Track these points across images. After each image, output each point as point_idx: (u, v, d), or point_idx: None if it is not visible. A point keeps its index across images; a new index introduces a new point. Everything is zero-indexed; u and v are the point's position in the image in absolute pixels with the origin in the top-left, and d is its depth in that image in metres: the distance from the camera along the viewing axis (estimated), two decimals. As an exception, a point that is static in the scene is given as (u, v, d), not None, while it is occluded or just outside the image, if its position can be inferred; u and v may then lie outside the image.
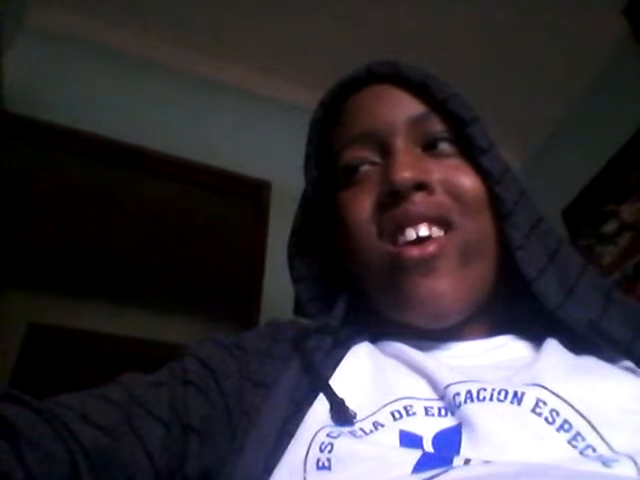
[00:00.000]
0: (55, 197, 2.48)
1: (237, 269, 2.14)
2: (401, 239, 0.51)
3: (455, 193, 0.52)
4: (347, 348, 0.51)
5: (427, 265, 0.49)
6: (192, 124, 2.11)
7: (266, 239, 1.94)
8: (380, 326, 0.57)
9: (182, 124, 2.10)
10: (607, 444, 0.36)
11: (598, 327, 0.49)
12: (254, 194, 2.07)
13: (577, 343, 0.50)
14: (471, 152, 0.54)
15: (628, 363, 0.48)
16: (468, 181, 0.53)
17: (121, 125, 1.95)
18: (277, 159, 2.12)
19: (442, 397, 0.43)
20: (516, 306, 0.57)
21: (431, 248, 0.50)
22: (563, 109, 2.35)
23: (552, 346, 0.49)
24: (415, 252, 0.50)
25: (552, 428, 0.37)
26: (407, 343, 0.52)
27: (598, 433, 0.36)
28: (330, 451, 0.38)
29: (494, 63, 2.22)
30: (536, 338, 0.52)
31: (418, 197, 0.51)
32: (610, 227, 1.95)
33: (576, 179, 2.15)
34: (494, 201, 0.53)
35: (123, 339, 2.86)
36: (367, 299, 0.58)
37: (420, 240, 0.50)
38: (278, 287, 1.86)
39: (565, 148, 2.33)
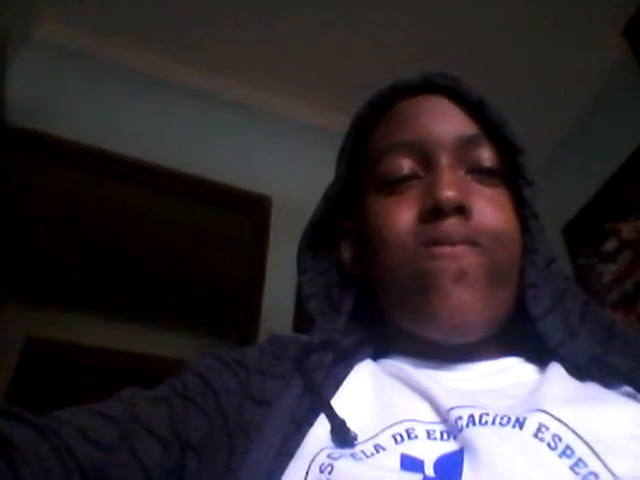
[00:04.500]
0: (56, 211, 2.48)
1: (237, 283, 2.14)
2: (437, 251, 0.50)
3: (490, 224, 0.52)
4: (349, 366, 0.51)
5: (460, 276, 0.49)
6: (194, 138, 2.12)
7: (266, 254, 1.94)
8: (386, 337, 0.56)
9: (184, 138, 2.10)
10: (609, 470, 0.35)
11: (599, 361, 0.50)
12: (254, 209, 2.07)
13: (580, 368, 0.50)
14: (515, 181, 0.54)
15: (628, 389, 0.48)
16: (504, 217, 0.53)
17: (123, 139, 1.96)
18: (278, 174, 2.13)
19: (445, 420, 0.42)
20: (520, 334, 0.56)
21: (465, 262, 0.50)
22: (563, 127, 2.36)
23: (555, 371, 0.49)
24: (450, 263, 0.49)
25: (554, 454, 0.37)
26: (411, 363, 0.51)
27: (600, 459, 0.36)
28: (330, 472, 0.37)
29: (494, 82, 2.23)
30: (540, 361, 0.52)
31: (456, 219, 0.51)
32: (610, 245, 1.95)
33: (576, 197, 2.15)
34: (524, 234, 0.54)
35: (122, 354, 2.85)
36: (377, 307, 0.58)
37: (455, 253, 0.50)
38: (278, 302, 1.86)
39: (565, 166, 2.34)
